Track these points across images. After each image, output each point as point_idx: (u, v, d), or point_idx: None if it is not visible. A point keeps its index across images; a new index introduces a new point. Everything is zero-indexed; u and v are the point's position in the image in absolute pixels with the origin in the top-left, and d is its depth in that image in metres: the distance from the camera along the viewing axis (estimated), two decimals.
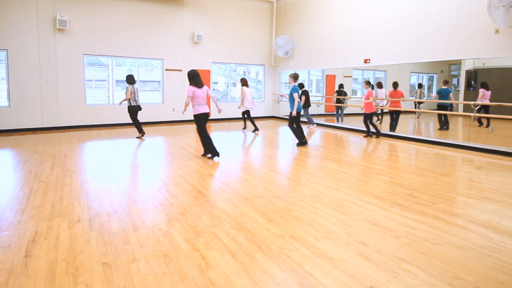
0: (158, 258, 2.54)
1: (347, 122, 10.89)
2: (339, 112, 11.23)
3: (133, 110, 8.11)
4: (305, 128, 10.69)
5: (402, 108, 9.10)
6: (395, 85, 8.91)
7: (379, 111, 10.60)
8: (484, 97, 7.78)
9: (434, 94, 10.46)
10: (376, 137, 8.72)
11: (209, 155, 6.06)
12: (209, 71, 12.04)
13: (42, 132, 9.22)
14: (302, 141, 7.39)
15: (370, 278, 2.30)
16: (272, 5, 13.16)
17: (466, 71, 8.71)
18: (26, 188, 4.26)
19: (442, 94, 8.43)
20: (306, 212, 3.53)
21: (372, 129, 8.91)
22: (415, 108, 9.87)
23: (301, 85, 10.34)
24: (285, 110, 13.31)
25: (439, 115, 9.10)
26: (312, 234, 3.00)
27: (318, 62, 11.50)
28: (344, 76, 11.84)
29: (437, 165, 5.74)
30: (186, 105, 5.92)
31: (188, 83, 5.89)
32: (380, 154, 6.85)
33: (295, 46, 12.34)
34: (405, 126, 10.25)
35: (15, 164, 5.60)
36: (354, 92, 12.40)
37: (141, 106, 8.38)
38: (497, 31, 6.73)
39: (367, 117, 8.64)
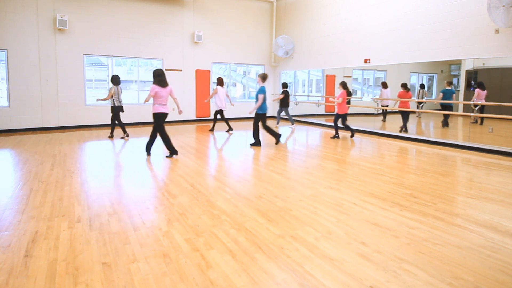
0: (158, 258, 2.54)
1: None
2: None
3: (116, 110, 8.04)
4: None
5: (411, 109, 9.14)
6: (405, 86, 8.90)
7: (380, 111, 10.59)
8: (479, 97, 7.81)
9: (434, 95, 10.46)
10: (351, 137, 8.73)
11: (168, 154, 6.14)
12: (209, 71, 12.04)
13: (42, 132, 9.22)
14: (255, 143, 7.29)
15: (370, 278, 2.30)
16: (272, 5, 13.16)
17: (466, 71, 8.71)
18: (26, 188, 4.26)
19: (446, 94, 8.47)
20: (306, 212, 3.53)
21: (344, 131, 8.86)
22: (417, 108, 9.87)
23: (284, 85, 10.50)
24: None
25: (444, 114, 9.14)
26: (312, 234, 3.00)
27: (318, 62, 11.50)
28: (344, 76, 11.83)
29: (437, 165, 5.74)
30: (146, 101, 5.98)
31: (153, 81, 5.96)
32: (380, 154, 6.84)
33: (295, 46, 12.34)
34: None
35: (15, 164, 5.60)
36: (354, 92, 12.39)
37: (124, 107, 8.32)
38: (497, 31, 6.73)
39: (338, 118, 8.56)
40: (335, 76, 12.16)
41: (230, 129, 9.44)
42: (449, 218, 3.39)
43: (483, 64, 7.85)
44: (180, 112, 6.37)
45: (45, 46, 9.34)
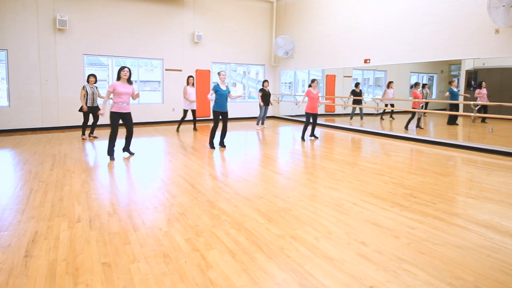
0: (158, 258, 2.54)
1: (347, 123, 10.89)
2: (354, 112, 11.03)
3: (86, 111, 7.81)
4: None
5: (424, 110, 9.20)
6: (419, 85, 8.88)
7: (381, 111, 10.60)
8: (480, 95, 7.84)
9: (434, 95, 10.47)
10: (314, 138, 8.47)
11: (111, 157, 5.88)
12: (209, 71, 12.04)
13: (42, 132, 9.22)
14: (211, 145, 7.10)
15: (370, 278, 2.30)
16: (272, 5, 13.16)
17: (466, 71, 8.71)
18: (26, 188, 4.26)
19: (453, 94, 8.51)
20: (306, 212, 3.53)
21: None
22: (421, 108, 9.88)
23: (264, 82, 10.24)
24: (285, 110, 13.31)
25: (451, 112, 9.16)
26: (312, 234, 2.99)
27: (318, 62, 11.50)
28: (344, 76, 11.85)
29: (437, 165, 5.74)
30: (105, 100, 5.85)
31: (117, 79, 5.83)
32: (380, 154, 6.85)
33: (295, 46, 12.34)
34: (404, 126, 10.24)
35: (15, 164, 5.60)
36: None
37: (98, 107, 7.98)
38: (497, 31, 6.73)
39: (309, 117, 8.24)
40: (335, 76, 12.17)
41: (177, 129, 9.49)
42: (449, 218, 3.39)
43: (483, 64, 7.86)
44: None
45: (45, 46, 9.34)
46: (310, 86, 8.35)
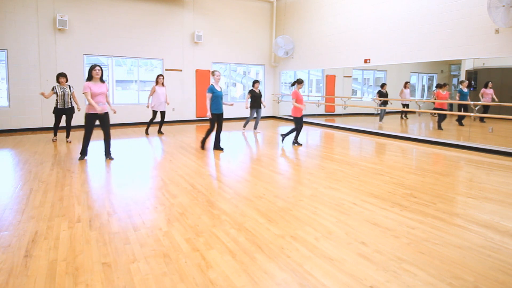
0: (158, 258, 2.54)
1: (347, 122, 10.89)
2: (384, 113, 10.57)
3: (54, 112, 7.41)
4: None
5: (446, 112, 8.86)
6: (443, 85, 8.65)
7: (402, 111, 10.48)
8: (485, 95, 7.79)
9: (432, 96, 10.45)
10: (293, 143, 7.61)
11: (80, 156, 5.84)
12: (209, 71, 12.04)
13: (42, 132, 9.22)
14: (202, 145, 6.90)
15: (370, 278, 2.30)
16: (272, 5, 13.16)
17: (466, 71, 8.72)
18: (26, 188, 4.26)
19: (463, 94, 8.40)
20: (306, 212, 3.53)
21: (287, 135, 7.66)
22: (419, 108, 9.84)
23: (254, 83, 9.29)
24: (285, 110, 13.31)
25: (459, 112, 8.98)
26: (312, 234, 2.99)
27: (318, 62, 11.50)
28: (344, 76, 11.85)
29: (437, 165, 5.73)
30: (89, 101, 5.45)
31: (86, 78, 5.60)
32: (380, 154, 6.84)
33: (295, 46, 12.34)
34: (405, 126, 10.26)
35: (15, 164, 5.60)
36: (354, 92, 12.41)
37: (73, 110, 7.51)
38: (497, 31, 6.73)
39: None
40: (335, 76, 12.17)
41: (146, 130, 8.98)
42: (449, 218, 3.39)
43: (483, 64, 7.86)
44: (114, 111, 5.99)
45: (45, 46, 9.34)
46: (292, 85, 7.45)
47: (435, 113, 9.12)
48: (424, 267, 2.45)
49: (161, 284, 2.21)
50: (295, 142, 7.52)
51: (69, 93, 7.37)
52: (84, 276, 2.29)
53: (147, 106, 8.76)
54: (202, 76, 11.90)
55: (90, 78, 5.53)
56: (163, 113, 8.90)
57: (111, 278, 2.27)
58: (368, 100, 11.20)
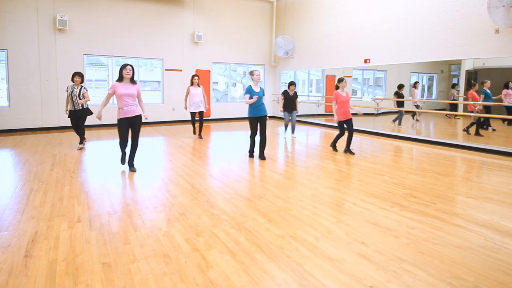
0: (158, 258, 2.54)
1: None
2: (402, 115, 9.85)
3: (69, 115, 6.86)
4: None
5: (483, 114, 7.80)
6: (473, 85, 7.97)
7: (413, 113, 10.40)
8: (507, 96, 7.46)
9: (434, 95, 10.46)
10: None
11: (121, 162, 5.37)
12: (209, 71, 12.04)
13: (42, 132, 9.22)
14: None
15: (370, 278, 2.30)
16: (272, 5, 13.16)
17: (466, 71, 8.71)
18: (26, 188, 4.26)
19: (488, 96, 7.75)
20: (306, 212, 3.53)
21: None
22: (417, 108, 9.83)
23: (290, 85, 8.81)
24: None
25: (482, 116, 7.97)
26: (312, 234, 2.99)
27: (318, 62, 11.50)
28: (344, 76, 11.83)
29: (437, 165, 5.74)
30: (104, 103, 5.07)
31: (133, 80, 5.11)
32: (380, 154, 6.84)
33: (295, 46, 12.34)
34: (406, 126, 10.24)
35: (15, 164, 5.60)
36: (354, 92, 12.40)
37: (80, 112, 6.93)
38: (497, 31, 6.73)
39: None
40: (335, 76, 12.16)
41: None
42: (449, 218, 3.39)
43: (483, 64, 7.85)
44: (146, 117, 5.45)
45: (45, 46, 9.34)
46: (337, 87, 6.67)
47: (476, 117, 7.78)
48: (424, 267, 2.45)
49: (161, 284, 2.21)
50: (347, 150, 6.65)
51: (77, 94, 6.73)
52: (84, 276, 2.29)
53: (185, 108, 8.38)
54: (202, 76, 11.88)
55: (121, 78, 4.92)
56: (200, 115, 8.26)
57: (111, 278, 2.27)
58: (368, 100, 11.19)
